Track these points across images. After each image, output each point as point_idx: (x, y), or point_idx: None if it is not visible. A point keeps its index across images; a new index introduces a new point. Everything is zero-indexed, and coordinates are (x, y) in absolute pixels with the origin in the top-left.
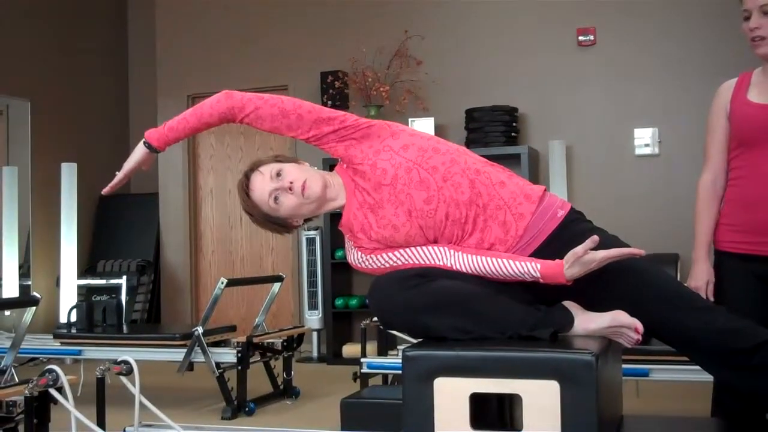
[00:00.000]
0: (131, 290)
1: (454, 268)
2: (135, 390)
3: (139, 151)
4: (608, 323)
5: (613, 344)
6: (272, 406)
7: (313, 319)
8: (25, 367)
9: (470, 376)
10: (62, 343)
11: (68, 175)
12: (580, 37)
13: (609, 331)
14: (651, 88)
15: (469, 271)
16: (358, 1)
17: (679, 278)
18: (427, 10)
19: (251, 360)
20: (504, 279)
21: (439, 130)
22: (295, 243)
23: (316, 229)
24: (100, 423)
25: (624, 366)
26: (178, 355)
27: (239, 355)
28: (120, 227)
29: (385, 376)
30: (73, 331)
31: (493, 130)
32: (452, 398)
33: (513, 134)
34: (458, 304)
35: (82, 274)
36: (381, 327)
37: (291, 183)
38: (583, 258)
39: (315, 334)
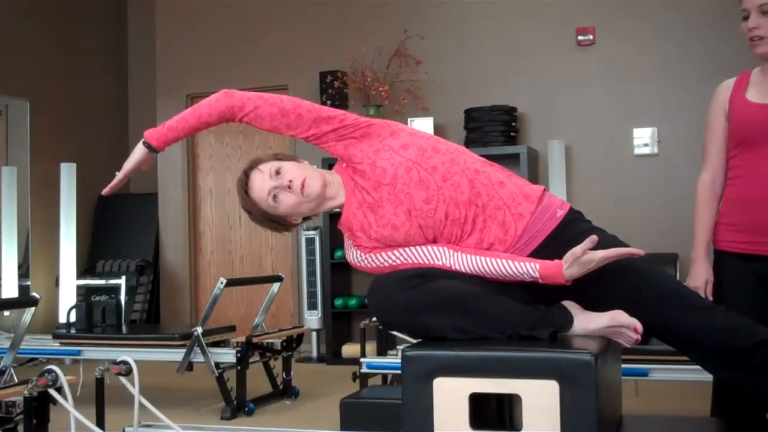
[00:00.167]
0: (130, 290)
1: (453, 268)
2: (134, 390)
3: (138, 151)
4: (607, 323)
5: (612, 344)
6: (272, 406)
7: (313, 319)
8: (25, 367)
9: (469, 376)
10: (61, 344)
11: (67, 175)
12: (580, 37)
13: (608, 331)
14: (650, 88)
15: (468, 271)
16: (358, 1)
17: (678, 278)
18: (427, 10)
19: (251, 360)
20: (503, 279)
21: (439, 130)
22: (295, 243)
23: (315, 229)
24: (100, 423)
25: (623, 366)
26: (177, 355)
27: (239, 355)
28: (119, 227)
29: (384, 376)
30: (73, 331)
31: (493, 130)
32: (451, 398)
33: (512, 134)
34: (457, 304)
35: (81, 274)
36: (380, 327)
37: (290, 181)
38: (581, 258)
39: (314, 334)
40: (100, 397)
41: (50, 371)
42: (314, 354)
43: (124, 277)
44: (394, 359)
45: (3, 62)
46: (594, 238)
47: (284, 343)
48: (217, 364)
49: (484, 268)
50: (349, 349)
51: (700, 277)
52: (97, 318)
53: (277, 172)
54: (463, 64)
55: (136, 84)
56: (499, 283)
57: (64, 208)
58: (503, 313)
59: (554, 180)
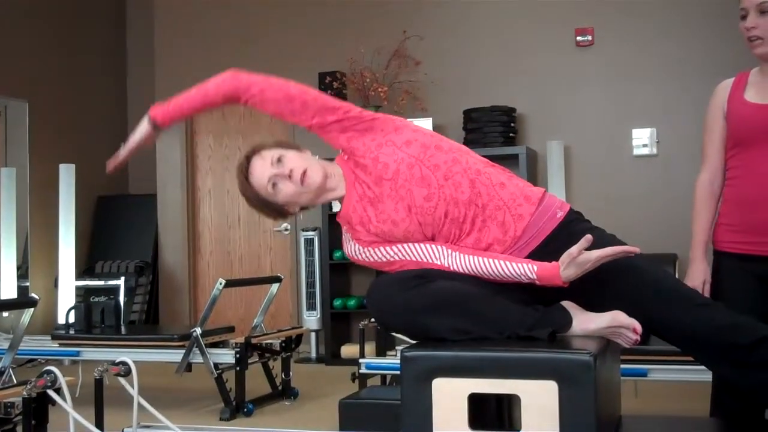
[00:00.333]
0: (129, 291)
1: (451, 267)
2: (133, 391)
3: (142, 128)
4: (607, 323)
5: (611, 344)
6: (271, 406)
7: (312, 320)
8: (24, 368)
9: (468, 376)
10: (60, 344)
11: (66, 175)
12: (578, 38)
13: (607, 332)
14: (649, 89)
15: (466, 271)
16: (357, 2)
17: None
18: (426, 11)
19: (250, 361)
20: (500, 280)
21: (438, 131)
22: (294, 243)
23: (314, 229)
24: (99, 424)
25: (622, 366)
26: (176, 356)
27: (238, 355)
28: (118, 228)
29: (383, 377)
30: (72, 332)
31: (492, 131)
32: (451, 399)
33: (511, 134)
34: (457, 304)
35: (80, 275)
36: (379, 328)
37: (291, 170)
38: (578, 259)
39: (313, 334)
40: (99, 398)
41: (49, 372)
42: (313, 354)
43: (123, 278)
44: (393, 360)
45: (2, 63)
46: (589, 237)
47: (283, 344)
48: (216, 365)
49: (481, 268)
50: (348, 350)
51: (697, 277)
52: (96, 319)
53: (279, 160)
54: (462, 65)
55: (135, 84)
56: (497, 283)
57: (63, 208)
58: (502, 313)
59: (553, 180)
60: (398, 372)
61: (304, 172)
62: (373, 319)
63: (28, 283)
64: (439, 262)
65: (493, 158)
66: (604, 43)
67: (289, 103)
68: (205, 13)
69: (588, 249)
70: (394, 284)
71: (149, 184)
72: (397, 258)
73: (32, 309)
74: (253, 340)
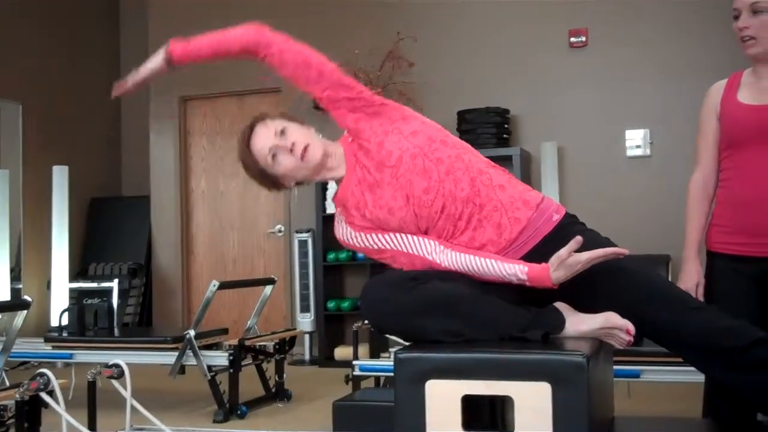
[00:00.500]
0: (123, 293)
1: (443, 264)
2: (126, 393)
3: (157, 60)
4: (600, 324)
5: (604, 346)
6: (264, 408)
7: (305, 322)
8: (16, 371)
9: (462, 378)
10: (53, 347)
11: (60, 177)
12: (572, 39)
13: (601, 333)
14: (643, 90)
15: (456, 269)
16: (350, 3)
17: (670, 279)
18: (419, 12)
19: (243, 363)
20: (490, 279)
21: None
22: (287, 245)
23: (308, 231)
24: (92, 427)
25: (615, 367)
26: (169, 358)
27: (231, 358)
28: (111, 230)
29: (377, 379)
30: (65, 334)
31: (485, 132)
32: (444, 400)
33: (505, 136)
34: (450, 306)
35: (73, 277)
36: (373, 330)
37: (293, 144)
38: (567, 260)
39: (307, 336)
40: (91, 401)
41: (42, 375)
42: (307, 357)
43: (116, 280)
44: (386, 362)
45: None
46: (579, 239)
47: (277, 346)
48: (209, 367)
49: (471, 266)
50: (342, 352)
51: (691, 278)
52: (89, 321)
53: (282, 132)
54: (455, 66)
55: None
56: (491, 285)
57: (57, 211)
58: (495, 315)
59: (547, 182)
60: (392, 374)
61: (306, 148)
62: (366, 321)
63: (21, 286)
64: (430, 257)
65: None
66: (598, 45)
67: (305, 70)
68: (199, 14)
69: (581, 251)
70: (387, 286)
71: (142, 186)
72: (388, 247)
73: (25, 311)
74: (247, 342)
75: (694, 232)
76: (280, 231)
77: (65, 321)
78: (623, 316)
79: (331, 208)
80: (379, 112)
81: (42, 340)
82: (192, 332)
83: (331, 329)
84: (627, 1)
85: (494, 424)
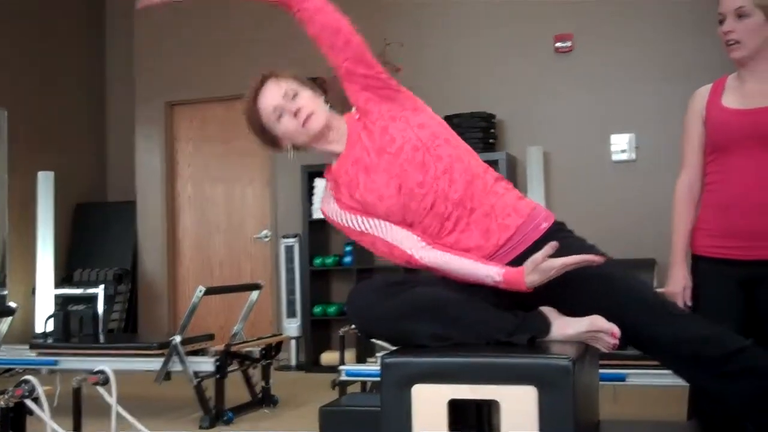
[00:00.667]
0: (108, 299)
1: (422, 260)
2: (111, 400)
3: None
4: (586, 328)
5: (590, 349)
6: (251, 414)
7: (292, 327)
8: (1, 378)
9: (448, 382)
10: (38, 354)
11: (45, 183)
12: (558, 44)
13: (586, 336)
14: (628, 94)
15: (433, 265)
16: (337, 9)
17: (656, 283)
18: (406, 18)
19: (229, 369)
20: (466, 279)
21: None
22: (274, 250)
23: (294, 236)
24: None
25: (601, 371)
26: (155, 364)
27: (217, 363)
28: (97, 236)
29: (363, 384)
30: (50, 341)
31: (471, 137)
32: (430, 405)
33: (491, 140)
34: (436, 310)
35: (58, 283)
36: (360, 335)
37: (299, 109)
38: (542, 265)
39: (293, 342)
40: (77, 408)
41: (27, 381)
42: (293, 362)
43: (102, 286)
44: (373, 367)
45: None
46: (554, 244)
47: (263, 352)
48: (195, 373)
49: (448, 264)
50: (329, 357)
51: (678, 282)
52: (74, 327)
53: (293, 95)
54: (442, 71)
55: (115, 92)
56: (477, 289)
57: (42, 216)
58: (481, 319)
59: (533, 186)
60: (378, 379)
61: (309, 116)
62: (353, 326)
63: (6, 292)
64: (409, 251)
65: None
66: (584, 50)
67: (333, 35)
68: (185, 19)
69: (557, 256)
70: (373, 291)
71: (128, 191)
72: (370, 232)
73: (10, 318)
74: (233, 348)
75: (680, 236)
76: (266, 236)
77: (50, 327)
78: (607, 320)
79: (317, 214)
80: (391, 96)
81: (27, 347)
82: (178, 338)
83: (318, 334)
84: (612, 7)
85: (481, 428)
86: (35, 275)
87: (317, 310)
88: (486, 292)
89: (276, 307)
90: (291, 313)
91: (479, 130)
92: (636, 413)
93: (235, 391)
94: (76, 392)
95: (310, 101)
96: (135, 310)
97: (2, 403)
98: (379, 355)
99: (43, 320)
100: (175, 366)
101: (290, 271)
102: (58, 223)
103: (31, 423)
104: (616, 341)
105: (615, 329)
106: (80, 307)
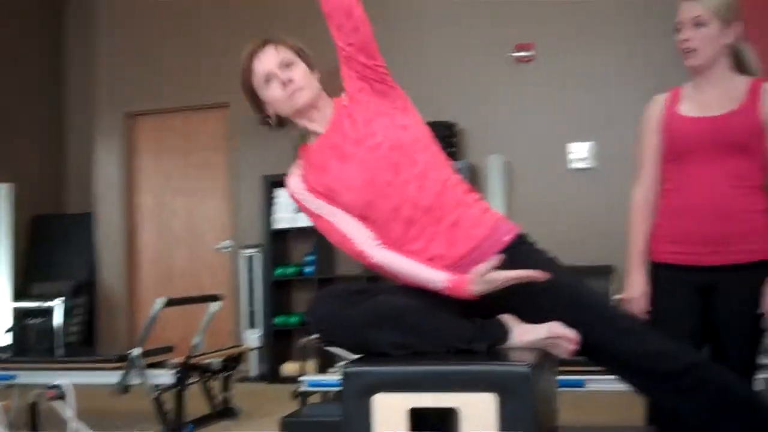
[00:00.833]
0: (67, 312)
1: (372, 258)
2: (69, 414)
3: None
4: (544, 334)
5: (548, 356)
6: (211, 427)
7: (253, 338)
8: None
9: (408, 391)
10: None
11: (3, 195)
12: (518, 54)
13: (545, 343)
14: (587, 103)
15: (382, 264)
16: (299, 16)
17: (614, 289)
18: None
19: (189, 381)
20: (412, 282)
21: None
22: (235, 261)
23: (255, 247)
24: None
25: (559, 377)
26: (114, 377)
27: (177, 376)
28: (55, 248)
29: (324, 394)
30: (7, 355)
31: None
32: (391, 414)
33: (452, 149)
34: (396, 318)
35: (16, 296)
36: (321, 345)
37: (289, 80)
38: (486, 276)
39: (254, 353)
40: (34, 423)
41: None
42: (254, 373)
43: (60, 299)
44: (334, 377)
45: None
46: (501, 257)
47: (224, 363)
48: (155, 386)
49: (396, 264)
50: (290, 368)
51: (636, 288)
52: (32, 341)
53: (287, 65)
54: (402, 80)
55: (74, 102)
56: (438, 298)
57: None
58: (440, 327)
59: (493, 194)
60: (340, 389)
61: (298, 89)
62: (314, 336)
63: None
64: (360, 247)
65: None
66: (544, 59)
67: (344, 17)
68: (145, 29)
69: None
70: (335, 299)
71: (85, 203)
72: (326, 218)
73: None
74: (193, 360)
75: (637, 243)
76: (227, 247)
77: (8, 341)
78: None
79: (278, 224)
80: (384, 92)
81: None
82: (137, 351)
83: (279, 345)
84: (572, 17)
85: None
86: None
87: (278, 320)
88: (449, 301)
89: (237, 318)
90: (252, 324)
91: (440, 139)
92: (595, 419)
93: (196, 403)
94: (33, 407)
95: (302, 75)
96: (93, 323)
97: None
98: (340, 365)
99: (0, 335)
100: (134, 379)
101: (251, 281)
102: (15, 235)
103: None
104: (575, 347)
105: (573, 335)
106: (38, 320)
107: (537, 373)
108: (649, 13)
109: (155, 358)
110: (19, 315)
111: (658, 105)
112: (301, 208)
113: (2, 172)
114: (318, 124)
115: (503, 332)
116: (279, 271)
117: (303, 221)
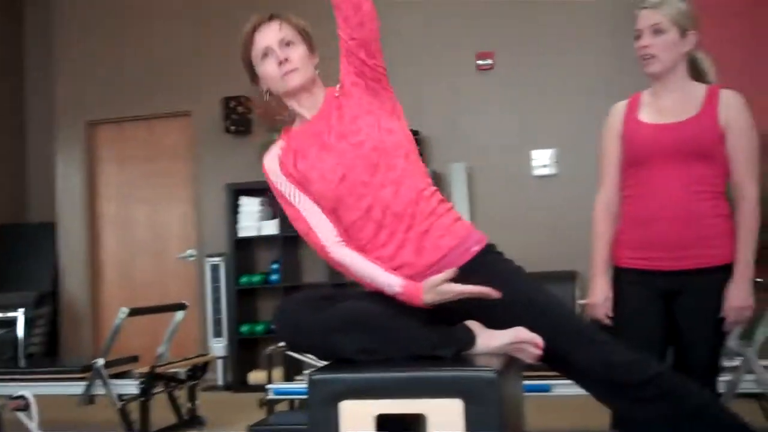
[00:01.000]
0: (29, 322)
1: (332, 254)
2: (32, 425)
3: None
4: (509, 340)
5: (514, 361)
6: None
7: (218, 347)
8: None
9: (375, 397)
10: None
11: None
12: (479, 62)
13: (510, 348)
14: (549, 110)
15: (340, 261)
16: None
17: (578, 295)
18: (329, 36)
19: (155, 390)
20: (368, 284)
21: None
22: (200, 270)
23: (220, 255)
24: None
25: (526, 382)
26: (78, 388)
27: (142, 386)
28: (17, 258)
29: (291, 402)
30: None
31: None
32: (358, 420)
33: None
34: (362, 324)
35: None
36: (288, 352)
37: (286, 59)
38: (439, 287)
39: (220, 361)
40: None
41: None
42: (220, 382)
43: (22, 309)
44: (301, 385)
45: None
46: (454, 269)
47: (189, 372)
48: (119, 396)
49: (355, 265)
50: (256, 376)
51: (599, 293)
52: None
53: (287, 44)
54: None
55: (34, 111)
56: (404, 304)
57: None
58: (406, 333)
59: (457, 201)
60: (306, 396)
61: (293, 70)
62: (280, 344)
63: None
64: (323, 242)
65: None
66: (505, 67)
67: (352, 10)
68: (107, 37)
69: (470, 282)
70: (301, 305)
71: (47, 212)
72: (297, 206)
73: None
74: (158, 370)
75: (600, 249)
76: (191, 256)
77: None
78: None
79: (243, 232)
80: (377, 92)
81: None
82: (101, 361)
83: (245, 354)
84: (532, 25)
85: None
86: None
87: (244, 329)
88: (415, 307)
89: (202, 327)
90: (217, 333)
91: None
92: (561, 424)
93: (161, 413)
94: None
95: (300, 57)
96: (57, 334)
97: None
98: (306, 372)
99: None
100: (99, 389)
101: (216, 290)
102: None
103: None
104: (540, 352)
105: (538, 339)
106: (1, 331)
107: (503, 378)
108: (610, 22)
109: (120, 368)
110: None
111: (618, 112)
112: (273, 191)
113: None
114: (306, 109)
115: (469, 338)
116: (244, 279)
117: (268, 229)
